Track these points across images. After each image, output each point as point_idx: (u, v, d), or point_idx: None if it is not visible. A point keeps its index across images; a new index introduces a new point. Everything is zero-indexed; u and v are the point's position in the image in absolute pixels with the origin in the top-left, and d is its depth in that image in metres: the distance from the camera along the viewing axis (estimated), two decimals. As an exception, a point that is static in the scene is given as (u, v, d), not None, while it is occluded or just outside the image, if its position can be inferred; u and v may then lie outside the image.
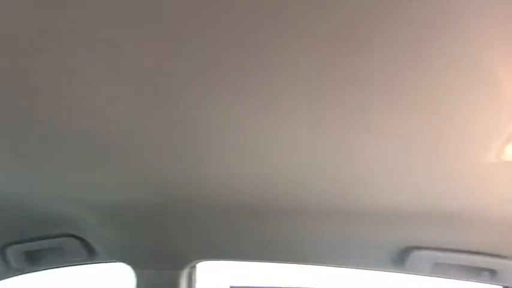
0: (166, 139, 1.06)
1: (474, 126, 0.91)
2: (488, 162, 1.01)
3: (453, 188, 1.19)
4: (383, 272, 1.67)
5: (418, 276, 1.62)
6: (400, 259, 1.55)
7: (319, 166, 1.16)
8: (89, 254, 1.78)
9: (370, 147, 1.04)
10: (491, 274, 1.51)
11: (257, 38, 0.72)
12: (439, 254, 1.51)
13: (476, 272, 1.53)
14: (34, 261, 1.84)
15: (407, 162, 1.10)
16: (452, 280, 1.61)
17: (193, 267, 1.84)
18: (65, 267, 1.84)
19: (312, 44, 0.72)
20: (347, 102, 0.87)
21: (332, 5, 0.65)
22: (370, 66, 0.76)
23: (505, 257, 1.47)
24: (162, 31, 0.71)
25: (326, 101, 0.87)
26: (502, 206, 1.24)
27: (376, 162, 1.12)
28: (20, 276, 1.82)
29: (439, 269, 1.55)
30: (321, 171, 1.19)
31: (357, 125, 0.95)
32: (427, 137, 0.98)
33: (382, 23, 0.67)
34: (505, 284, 1.62)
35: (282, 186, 1.32)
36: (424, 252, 1.51)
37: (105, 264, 1.82)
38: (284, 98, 0.87)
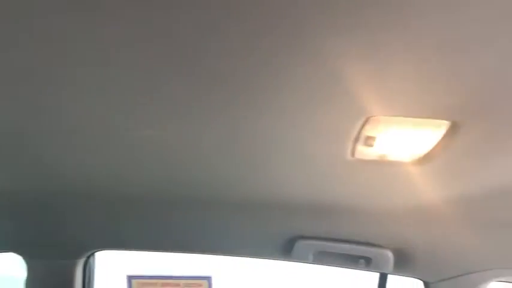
0: (51, 128, 1.06)
1: (327, 127, 0.99)
2: (345, 160, 1.10)
3: (321, 183, 1.29)
4: (272, 260, 1.76)
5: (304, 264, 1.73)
6: (287, 248, 1.64)
7: (208, 162, 1.22)
8: (-23, 244, 1.72)
9: (247, 145, 1.11)
10: (367, 262, 1.63)
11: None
12: (321, 243, 1.61)
13: (354, 260, 1.64)
14: None
15: (278, 159, 1.18)
16: (334, 268, 1.74)
17: (91, 256, 1.84)
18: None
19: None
20: (218, 104, 0.93)
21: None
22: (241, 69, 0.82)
23: (378, 246, 1.59)
24: None
25: (200, 102, 0.92)
26: (368, 199, 1.36)
27: (254, 159, 1.19)
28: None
29: (321, 258, 1.65)
30: (211, 166, 1.25)
31: (231, 123, 1.01)
32: (291, 138, 1.06)
33: (235, 31, 0.72)
34: (379, 271, 1.77)
35: (174, 178, 1.36)
36: (308, 242, 1.61)
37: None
38: (162, 96, 0.91)
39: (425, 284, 1.74)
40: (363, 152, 1.06)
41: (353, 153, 1.07)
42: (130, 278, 1.82)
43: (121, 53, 0.77)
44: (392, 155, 1.06)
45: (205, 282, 1.85)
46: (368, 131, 0.97)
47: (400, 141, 0.99)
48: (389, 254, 1.59)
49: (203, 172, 1.31)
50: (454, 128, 0.90)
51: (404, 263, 1.61)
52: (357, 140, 1.01)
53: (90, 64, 0.80)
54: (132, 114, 0.99)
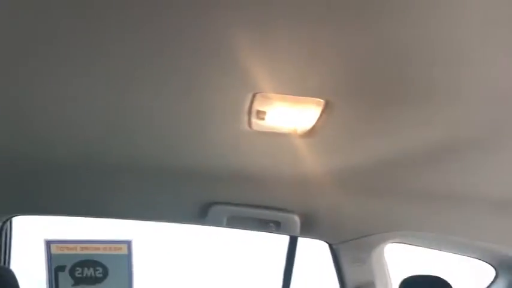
0: None
1: (222, 101, 1.06)
2: (244, 131, 1.18)
3: (227, 153, 1.36)
4: (188, 225, 1.85)
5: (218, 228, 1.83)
6: (202, 214, 1.71)
7: (124, 130, 1.26)
8: None
9: (160, 118, 1.17)
10: (276, 226, 1.74)
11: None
12: (234, 208, 1.70)
13: (264, 224, 1.75)
14: None
15: (186, 131, 1.25)
16: (246, 231, 1.85)
17: (7, 221, 1.83)
18: None
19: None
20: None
21: None
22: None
23: (286, 211, 1.71)
24: None
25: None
26: (270, 167, 1.44)
27: (166, 131, 1.26)
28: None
29: (235, 222, 1.75)
30: (128, 134, 1.29)
31: (141, 97, 1.06)
32: (194, 110, 1.12)
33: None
34: (288, 234, 1.90)
35: (92, 144, 1.37)
36: (221, 207, 1.69)
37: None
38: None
39: (329, 245, 1.90)
40: (258, 124, 1.13)
41: (250, 125, 1.15)
42: (49, 243, 1.84)
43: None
44: (283, 129, 1.14)
45: (124, 246, 1.89)
46: (258, 106, 1.05)
47: (287, 116, 1.08)
48: (296, 218, 1.71)
49: (121, 139, 1.35)
50: (328, 106, 0.99)
51: (309, 227, 1.73)
52: (250, 113, 1.09)
53: None
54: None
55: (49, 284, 1.83)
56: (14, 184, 1.63)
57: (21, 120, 1.21)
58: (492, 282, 2.02)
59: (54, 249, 1.86)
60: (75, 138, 1.33)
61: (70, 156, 1.46)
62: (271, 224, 1.75)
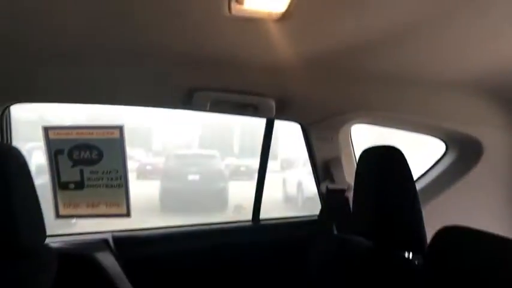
0: None
1: None
2: (224, 16, 1.30)
3: (208, 38, 1.48)
4: (175, 109, 2.02)
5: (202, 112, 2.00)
6: (187, 99, 1.87)
7: (113, 15, 1.33)
8: None
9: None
10: (254, 109, 1.93)
11: None
12: (216, 94, 1.86)
13: (244, 108, 1.93)
14: None
15: (166, 16, 1.34)
16: (227, 114, 2.04)
17: (6, 109, 1.96)
18: None
19: None
20: None
21: None
22: None
23: (263, 95, 1.89)
24: None
25: None
26: (249, 53, 1.59)
27: (152, 16, 1.34)
28: None
29: (217, 106, 1.92)
30: (114, 20, 1.36)
31: None
32: None
33: None
34: (265, 116, 2.10)
35: (83, 29, 1.44)
36: (205, 93, 1.85)
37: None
38: None
39: (302, 126, 2.12)
40: (237, 8, 1.26)
41: (230, 10, 1.27)
42: (46, 129, 1.97)
43: None
44: (260, 12, 1.27)
45: (117, 130, 2.03)
46: (237, -11, 1.17)
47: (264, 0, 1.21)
48: (272, 102, 1.89)
49: (107, 26, 1.41)
50: None
51: (284, 109, 1.93)
52: None
53: None
54: None
55: (50, 165, 1.99)
56: (11, 73, 1.69)
57: (15, 5, 1.25)
58: (443, 155, 2.32)
59: (51, 135, 1.99)
60: (67, 25, 1.38)
61: (63, 43, 1.53)
62: (250, 108, 1.93)
